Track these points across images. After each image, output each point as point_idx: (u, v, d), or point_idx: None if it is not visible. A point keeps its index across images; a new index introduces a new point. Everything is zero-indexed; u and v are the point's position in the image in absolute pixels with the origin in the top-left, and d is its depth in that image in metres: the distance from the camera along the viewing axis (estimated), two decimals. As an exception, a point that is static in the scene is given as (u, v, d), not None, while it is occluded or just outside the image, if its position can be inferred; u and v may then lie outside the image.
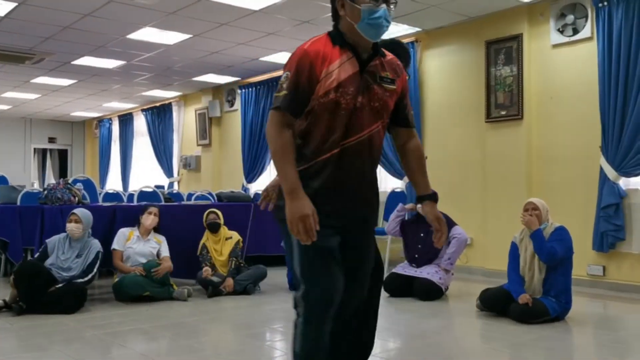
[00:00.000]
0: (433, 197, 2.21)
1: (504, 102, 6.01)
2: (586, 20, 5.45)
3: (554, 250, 3.92)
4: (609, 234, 5.16)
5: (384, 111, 2.03)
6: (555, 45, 5.69)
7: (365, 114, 1.97)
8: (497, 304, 4.18)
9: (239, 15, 6.22)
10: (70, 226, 4.44)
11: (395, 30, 6.76)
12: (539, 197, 5.58)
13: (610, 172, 5.14)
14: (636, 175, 5.06)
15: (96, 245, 4.52)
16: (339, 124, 1.94)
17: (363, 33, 1.96)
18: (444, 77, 6.75)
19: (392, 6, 2.00)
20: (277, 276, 5.68)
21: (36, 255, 4.52)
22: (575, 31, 5.53)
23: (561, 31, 5.63)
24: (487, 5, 5.91)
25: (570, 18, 5.55)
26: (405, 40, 6.96)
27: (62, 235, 4.52)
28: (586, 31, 5.45)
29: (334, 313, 1.99)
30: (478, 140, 6.26)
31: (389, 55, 2.10)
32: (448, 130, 6.63)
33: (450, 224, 5.02)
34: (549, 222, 4.10)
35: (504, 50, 6.07)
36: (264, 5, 5.92)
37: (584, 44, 5.49)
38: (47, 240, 4.51)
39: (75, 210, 4.54)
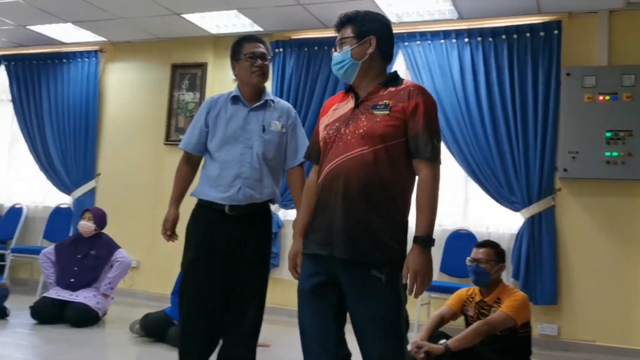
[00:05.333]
0: (420, 241, 1.92)
1: (184, 127, 6.05)
2: (264, 62, 5.90)
3: None
4: (265, 261, 5.56)
5: (369, 137, 1.97)
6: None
7: (344, 143, 2.01)
8: (157, 328, 4.09)
9: None
10: None
11: (78, 35, 6.29)
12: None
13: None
14: (292, 208, 5.59)
15: None
16: (325, 158, 2.08)
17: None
18: (126, 93, 6.51)
19: (338, 48, 2.12)
20: None
21: None
22: (254, 70, 5.93)
23: (242, 67, 5.96)
24: (176, 29, 5.93)
25: (250, 57, 5.92)
26: (87, 49, 6.53)
27: None
28: (263, 71, 5.89)
29: None
30: (155, 161, 6.16)
31: (405, 84, 2.07)
32: (124, 148, 6.39)
33: (114, 246, 4.80)
34: None
35: (188, 76, 6.15)
36: None
37: (261, 83, 5.91)
38: None
39: None
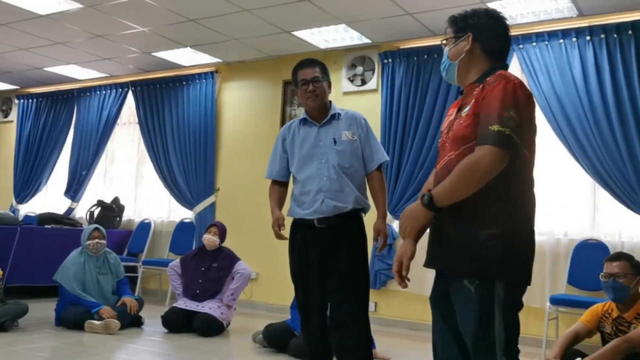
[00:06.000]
0: (421, 196, 1.85)
1: (296, 141, 6.20)
2: (373, 73, 5.92)
3: None
4: (381, 273, 5.54)
5: (455, 141, 1.88)
6: (346, 93, 6.06)
7: (443, 150, 1.96)
8: (279, 339, 4.19)
9: (22, 17, 5.60)
10: None
11: (196, 58, 6.65)
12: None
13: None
14: (407, 218, 5.52)
15: None
16: None
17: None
18: (241, 110, 6.78)
19: (445, 48, 2.04)
20: (43, 310, 5.06)
21: None
22: (364, 82, 5.97)
23: (351, 80, 6.02)
24: (287, 47, 6.11)
25: (359, 69, 5.97)
26: (205, 70, 6.89)
27: None
28: (372, 83, 5.91)
29: None
30: (270, 175, 6.35)
31: (489, 79, 1.85)
32: (240, 163, 6.65)
33: (235, 259, 4.99)
34: None
35: (299, 92, 6.29)
36: (51, 11, 5.40)
37: (370, 95, 5.93)
38: None
39: None
